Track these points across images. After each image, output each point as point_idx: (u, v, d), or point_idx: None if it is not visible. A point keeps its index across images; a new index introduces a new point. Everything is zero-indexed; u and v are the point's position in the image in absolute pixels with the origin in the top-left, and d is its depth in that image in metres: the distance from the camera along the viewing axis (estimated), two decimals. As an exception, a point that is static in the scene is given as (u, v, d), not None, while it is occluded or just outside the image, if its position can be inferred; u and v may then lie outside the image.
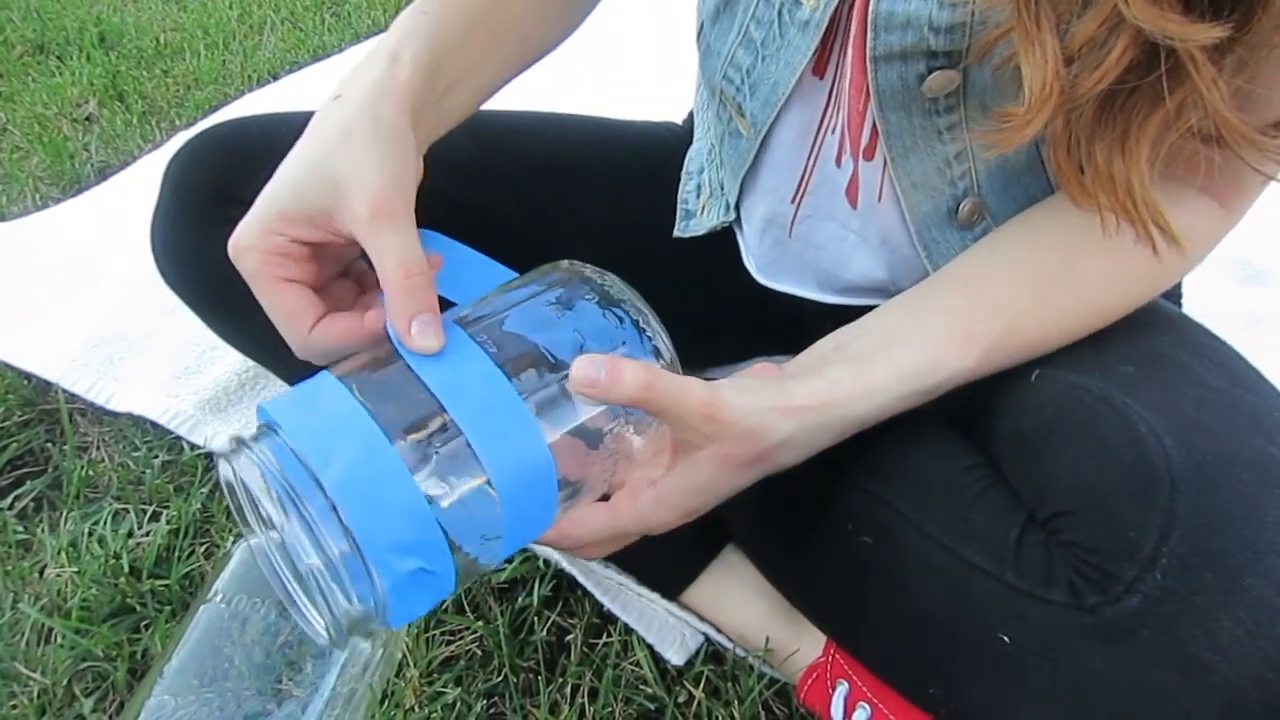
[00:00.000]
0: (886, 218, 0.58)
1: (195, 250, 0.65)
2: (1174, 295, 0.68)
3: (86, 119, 1.43)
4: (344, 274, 0.52)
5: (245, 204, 0.64)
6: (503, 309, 0.45)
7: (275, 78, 1.57)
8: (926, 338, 0.50)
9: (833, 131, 0.56)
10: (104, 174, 1.28)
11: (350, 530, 0.36)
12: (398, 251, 0.43)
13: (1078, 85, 0.41)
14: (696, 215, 0.71)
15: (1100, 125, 0.44)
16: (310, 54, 1.65)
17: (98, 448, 0.85)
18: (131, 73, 1.56)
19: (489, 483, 0.40)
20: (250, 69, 1.59)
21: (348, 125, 0.46)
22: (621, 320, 0.45)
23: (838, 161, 0.57)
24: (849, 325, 0.53)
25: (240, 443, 0.39)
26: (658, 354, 0.46)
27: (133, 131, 1.38)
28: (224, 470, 0.40)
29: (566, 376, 0.42)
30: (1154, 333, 0.53)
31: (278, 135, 0.65)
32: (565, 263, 0.49)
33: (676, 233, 0.71)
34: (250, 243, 0.45)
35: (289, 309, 0.45)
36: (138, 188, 1.21)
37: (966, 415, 0.58)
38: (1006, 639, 0.46)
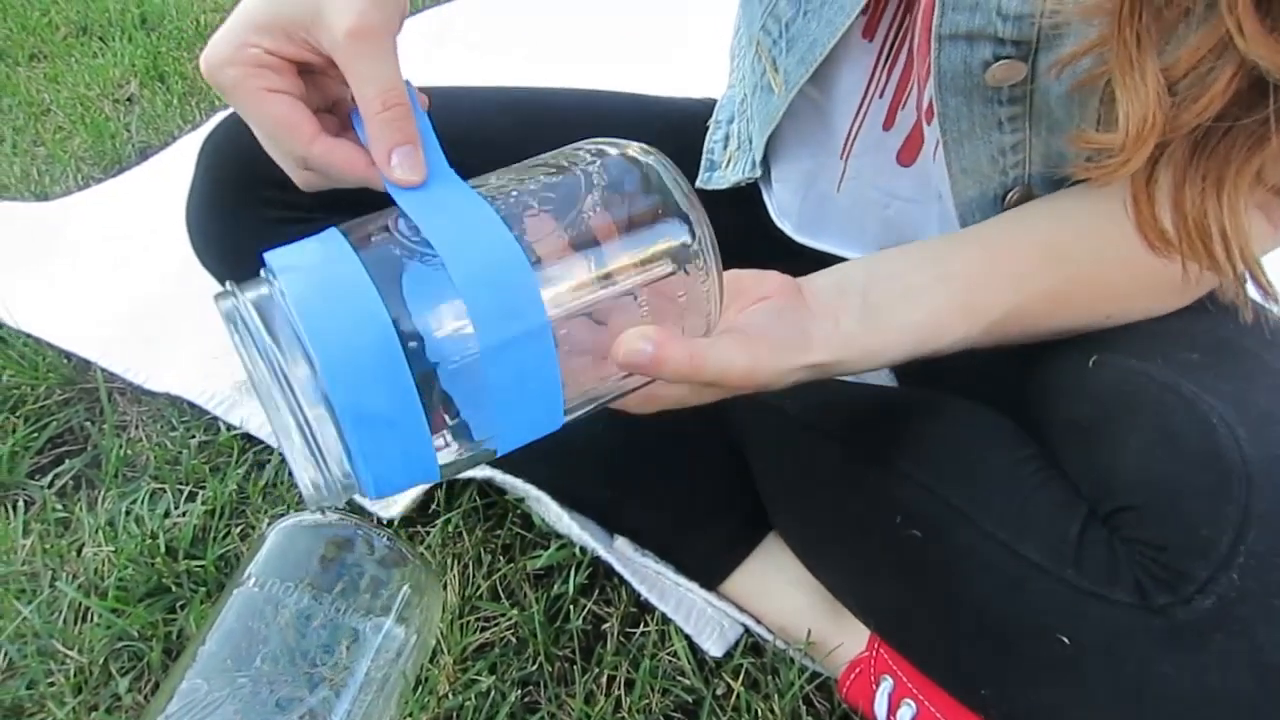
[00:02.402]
0: (943, 175, 0.55)
1: (229, 229, 0.65)
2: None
3: (128, 100, 1.44)
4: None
5: (278, 184, 0.64)
6: (518, 173, 0.42)
7: (314, 58, 1.57)
8: (939, 303, 0.48)
9: (880, 96, 0.54)
10: (145, 154, 1.28)
11: (319, 372, 0.34)
12: (377, 80, 0.40)
13: (1179, 116, 0.38)
14: (721, 167, 0.68)
15: (1193, 168, 0.40)
16: (348, 34, 1.64)
17: (136, 427, 0.85)
18: (172, 54, 1.57)
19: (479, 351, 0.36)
20: (289, 49, 1.58)
21: None
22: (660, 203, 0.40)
23: (886, 125, 0.55)
24: (880, 256, 0.51)
25: (241, 285, 0.38)
26: (691, 233, 0.40)
27: (173, 112, 1.38)
28: (225, 306, 0.37)
29: (575, 233, 0.38)
30: (1218, 318, 0.50)
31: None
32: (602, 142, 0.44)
33: (698, 184, 0.69)
34: (225, 56, 0.41)
35: (279, 117, 0.42)
36: (177, 168, 1.21)
37: (1019, 402, 0.55)
38: (1066, 640, 0.44)
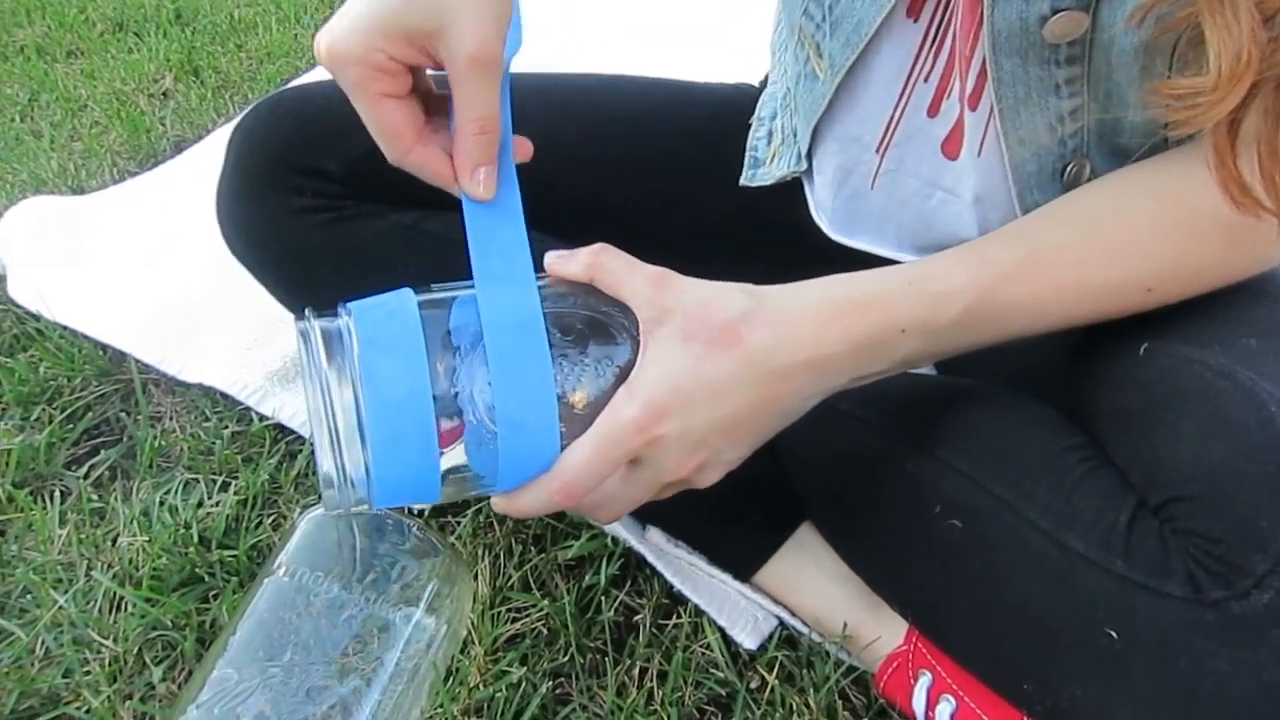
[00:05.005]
0: (986, 173, 0.54)
1: (259, 218, 0.65)
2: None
3: (163, 94, 1.45)
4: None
5: (307, 172, 0.63)
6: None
7: (345, 51, 1.57)
8: (940, 254, 0.49)
9: (925, 80, 0.52)
10: (179, 147, 1.29)
11: (365, 435, 0.42)
12: (480, 106, 0.44)
13: (1276, 52, 0.36)
14: (765, 164, 0.67)
15: None
16: (379, 26, 1.65)
17: (170, 418, 0.85)
18: (206, 48, 1.58)
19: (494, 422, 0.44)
20: (321, 42, 1.59)
21: None
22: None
23: (931, 112, 0.53)
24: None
25: (320, 315, 0.45)
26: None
27: (207, 106, 1.39)
28: (299, 325, 0.45)
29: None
30: (1276, 303, 0.48)
31: (340, 102, 0.64)
32: None
33: (743, 181, 0.68)
34: (352, 55, 0.44)
35: (391, 126, 0.46)
36: (211, 161, 1.21)
37: (1064, 390, 0.54)
38: (1114, 634, 0.42)
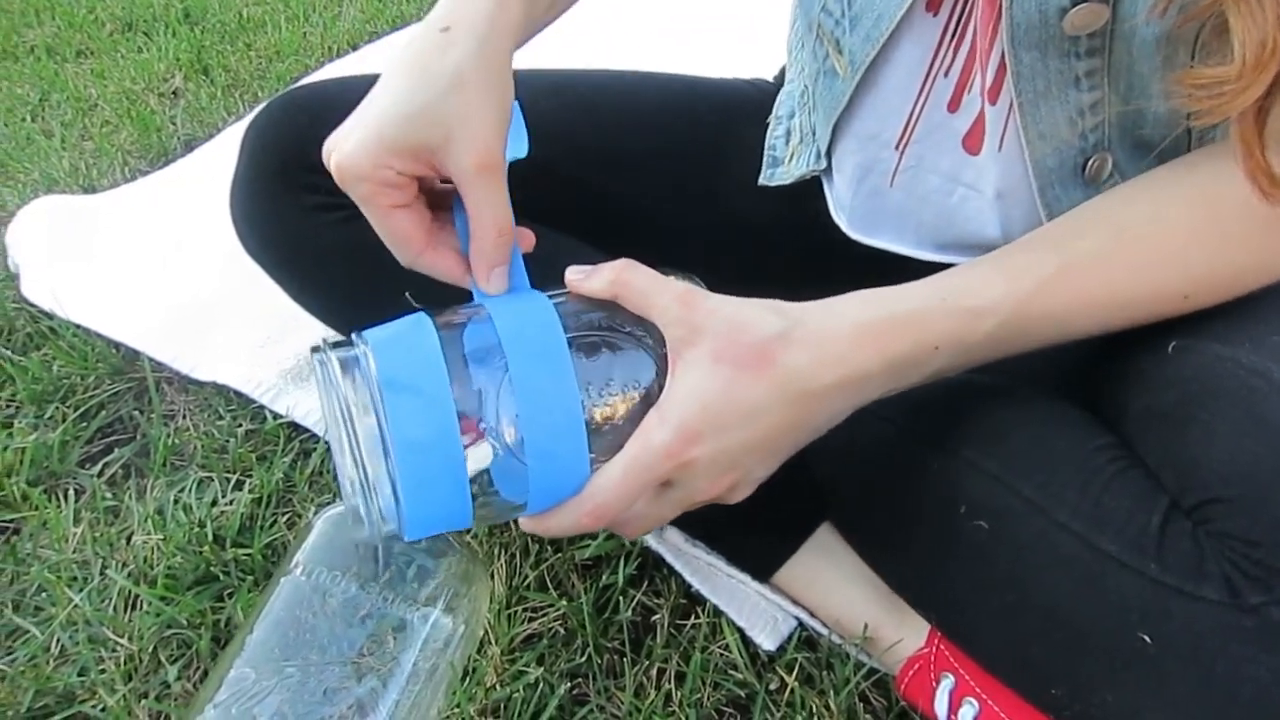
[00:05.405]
0: (1007, 168, 0.53)
1: (273, 216, 0.64)
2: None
3: (173, 93, 1.45)
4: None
5: (319, 170, 0.63)
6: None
7: (355, 48, 1.57)
8: (971, 264, 0.47)
9: (945, 74, 0.52)
10: (190, 146, 1.29)
11: (393, 476, 0.41)
12: (493, 209, 0.45)
13: None
14: (784, 163, 0.66)
15: None
16: (389, 24, 1.65)
17: (184, 416, 0.85)
18: (215, 47, 1.58)
19: (522, 448, 0.43)
20: (330, 40, 1.59)
21: (460, 70, 0.45)
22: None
23: (952, 107, 0.53)
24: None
25: (335, 346, 0.44)
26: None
27: (217, 104, 1.39)
28: (317, 357, 0.44)
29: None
30: None
31: (354, 98, 0.64)
32: None
33: (761, 181, 0.67)
34: (360, 172, 0.45)
35: (400, 234, 0.47)
36: (222, 159, 1.21)
37: (1092, 390, 0.53)
38: (1147, 639, 0.41)
